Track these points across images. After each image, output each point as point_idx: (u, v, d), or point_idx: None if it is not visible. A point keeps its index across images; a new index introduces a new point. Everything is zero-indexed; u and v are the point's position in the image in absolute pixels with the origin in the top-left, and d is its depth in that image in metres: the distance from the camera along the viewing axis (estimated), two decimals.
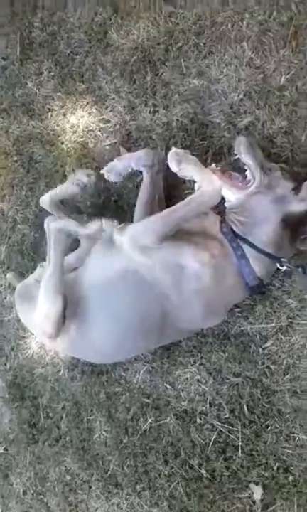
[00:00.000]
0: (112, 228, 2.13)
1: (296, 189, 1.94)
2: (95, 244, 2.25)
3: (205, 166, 2.04)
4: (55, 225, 2.15)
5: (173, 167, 2.02)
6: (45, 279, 2.16)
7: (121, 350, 2.31)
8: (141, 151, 2.27)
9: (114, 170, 2.28)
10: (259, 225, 1.99)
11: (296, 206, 1.94)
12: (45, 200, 2.51)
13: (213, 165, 2.07)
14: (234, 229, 2.03)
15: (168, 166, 2.04)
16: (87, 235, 2.20)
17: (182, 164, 1.99)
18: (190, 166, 1.99)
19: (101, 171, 2.31)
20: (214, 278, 1.97)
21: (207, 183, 1.95)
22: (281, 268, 2.03)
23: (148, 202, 2.29)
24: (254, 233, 1.99)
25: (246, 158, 1.98)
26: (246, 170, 2.01)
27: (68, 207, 2.56)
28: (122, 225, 2.14)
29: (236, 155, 2.04)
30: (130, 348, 2.33)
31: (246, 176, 2.02)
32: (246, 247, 1.99)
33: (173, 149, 2.04)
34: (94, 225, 2.15)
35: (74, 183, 2.41)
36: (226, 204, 2.09)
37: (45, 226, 2.18)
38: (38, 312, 2.20)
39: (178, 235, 2.00)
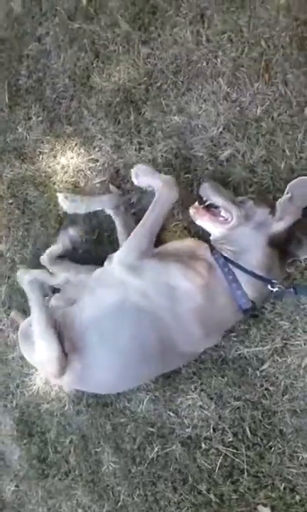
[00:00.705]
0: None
1: (272, 212, 2.05)
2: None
3: (191, 199, 2.21)
4: (26, 278, 2.38)
5: (134, 181, 2.21)
6: (34, 324, 2.25)
7: (124, 380, 2.35)
8: (104, 195, 2.45)
9: (74, 205, 2.41)
10: (247, 252, 2.07)
11: (277, 226, 2.04)
12: (44, 259, 2.62)
13: (196, 203, 2.21)
14: (225, 255, 2.10)
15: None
16: (57, 283, 2.41)
17: (139, 177, 2.19)
18: (144, 175, 2.19)
19: (57, 194, 2.44)
20: (206, 297, 2.04)
21: (161, 185, 2.13)
22: (272, 289, 2.08)
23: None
24: (244, 259, 2.07)
25: (216, 199, 2.13)
26: (221, 211, 2.15)
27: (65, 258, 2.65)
28: (110, 255, 2.25)
29: (206, 201, 2.17)
30: (133, 377, 2.36)
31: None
32: (237, 271, 2.06)
33: (136, 166, 2.22)
34: (61, 277, 2.35)
35: (67, 240, 2.59)
36: (211, 238, 2.21)
37: (18, 279, 2.32)
38: (37, 356, 2.26)
39: (166, 256, 2.12)
